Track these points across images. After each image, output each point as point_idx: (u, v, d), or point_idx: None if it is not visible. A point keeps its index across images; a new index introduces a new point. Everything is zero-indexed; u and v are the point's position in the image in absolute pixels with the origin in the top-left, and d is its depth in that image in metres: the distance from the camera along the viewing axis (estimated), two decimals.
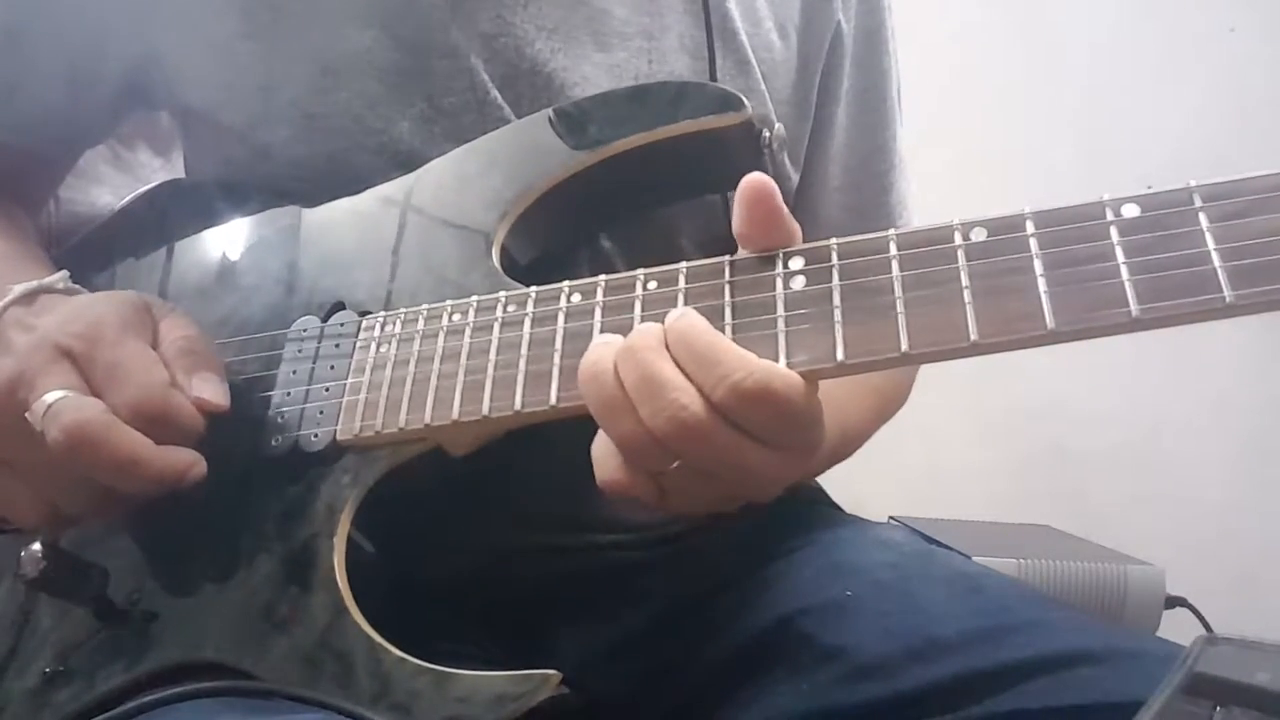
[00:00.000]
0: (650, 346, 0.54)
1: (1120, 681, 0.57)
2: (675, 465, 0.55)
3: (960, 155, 1.81)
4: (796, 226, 0.59)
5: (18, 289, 0.67)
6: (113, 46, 0.80)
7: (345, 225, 0.74)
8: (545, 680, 0.55)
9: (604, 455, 0.57)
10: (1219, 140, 1.79)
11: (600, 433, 0.57)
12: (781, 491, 0.59)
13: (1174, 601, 1.34)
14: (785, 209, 0.58)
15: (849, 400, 0.79)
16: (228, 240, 0.78)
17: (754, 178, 0.58)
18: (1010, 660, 0.60)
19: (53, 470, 0.61)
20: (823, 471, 0.83)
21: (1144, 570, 1.33)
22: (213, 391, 0.64)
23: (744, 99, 0.68)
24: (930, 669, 0.62)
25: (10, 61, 0.80)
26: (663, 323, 0.56)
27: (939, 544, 0.76)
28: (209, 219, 0.79)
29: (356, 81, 0.75)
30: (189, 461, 0.61)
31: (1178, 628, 1.30)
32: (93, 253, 0.82)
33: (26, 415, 0.60)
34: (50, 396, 0.59)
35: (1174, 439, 1.88)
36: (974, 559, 0.98)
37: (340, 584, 0.61)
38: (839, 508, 0.87)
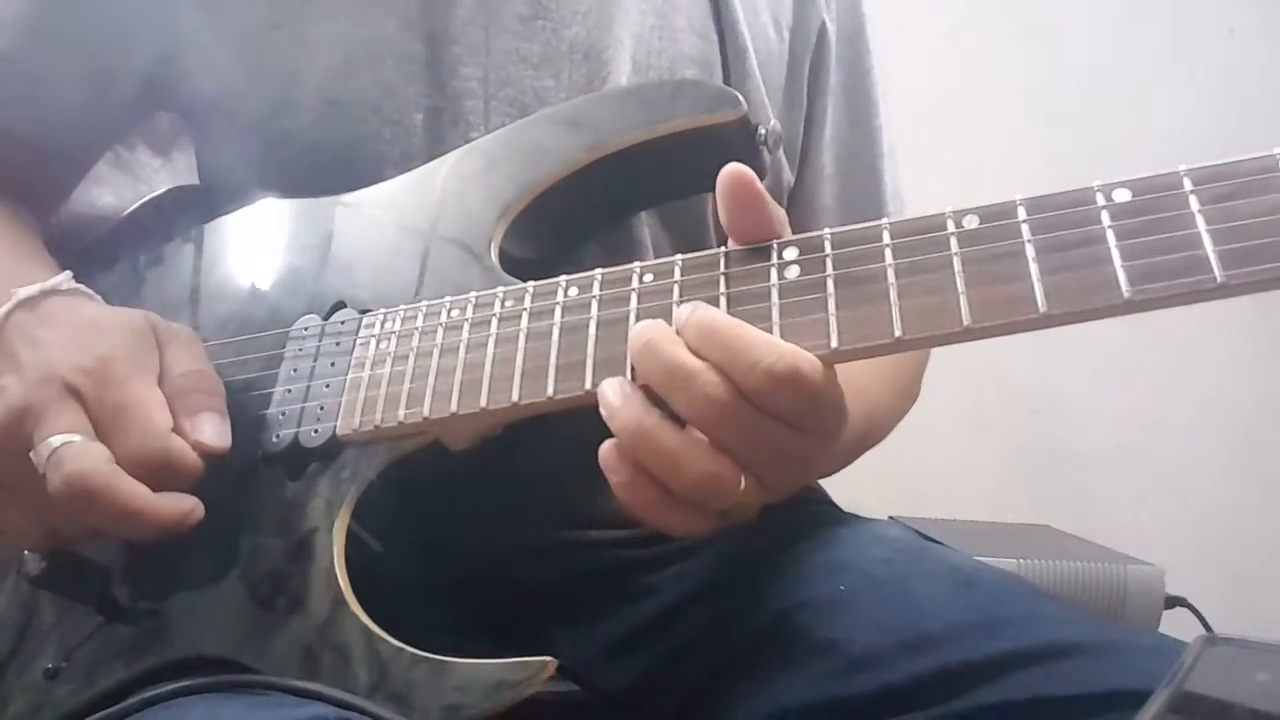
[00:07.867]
0: (668, 338, 0.55)
1: (1112, 672, 0.57)
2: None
3: (960, 154, 1.81)
4: (781, 212, 0.60)
5: (21, 293, 0.66)
6: (137, 41, 0.81)
7: (347, 226, 0.74)
8: (542, 667, 0.55)
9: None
10: (1218, 141, 1.78)
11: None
12: (811, 480, 0.59)
13: (1174, 601, 1.34)
14: (766, 195, 0.59)
15: (870, 384, 0.78)
16: (232, 242, 0.78)
17: (731, 168, 0.59)
18: (1001, 651, 0.60)
19: (53, 502, 0.61)
20: (855, 458, 0.83)
21: (1144, 570, 1.33)
22: (213, 434, 0.64)
23: (740, 97, 0.69)
24: (921, 661, 0.62)
25: (36, 57, 0.81)
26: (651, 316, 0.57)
27: (937, 542, 0.76)
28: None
29: (376, 69, 0.76)
30: (186, 509, 0.62)
31: (1178, 628, 1.30)
32: (98, 260, 0.82)
33: (30, 455, 0.60)
34: (56, 440, 0.59)
35: (1174, 439, 1.87)
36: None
37: (339, 577, 0.61)
38: (837, 507, 0.87)
